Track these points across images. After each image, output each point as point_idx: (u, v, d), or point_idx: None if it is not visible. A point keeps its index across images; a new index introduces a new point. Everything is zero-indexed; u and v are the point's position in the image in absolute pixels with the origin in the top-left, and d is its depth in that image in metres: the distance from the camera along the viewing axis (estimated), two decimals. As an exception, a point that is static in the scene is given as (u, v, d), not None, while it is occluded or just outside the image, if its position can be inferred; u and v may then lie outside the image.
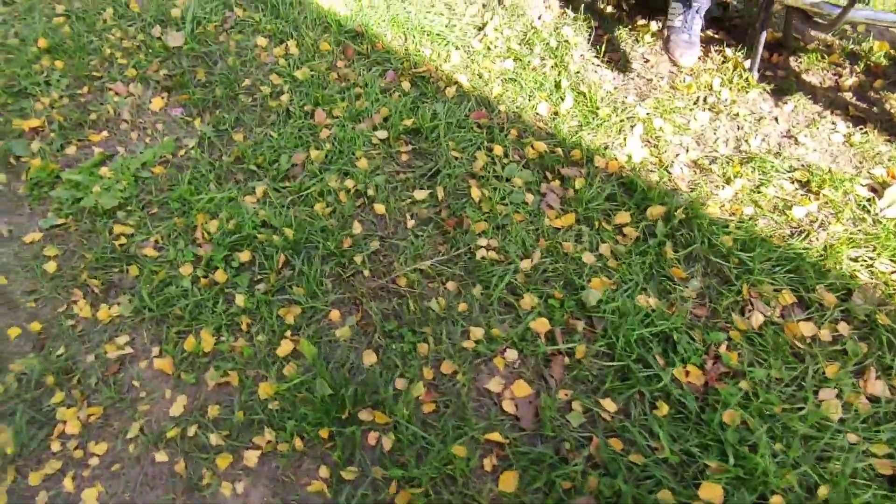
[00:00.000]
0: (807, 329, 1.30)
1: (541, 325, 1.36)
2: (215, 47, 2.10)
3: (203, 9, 2.20)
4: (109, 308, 1.52)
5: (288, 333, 1.40)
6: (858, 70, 1.84)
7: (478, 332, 1.36)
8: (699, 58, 1.89)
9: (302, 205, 1.63)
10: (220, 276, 1.53)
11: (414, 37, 2.04)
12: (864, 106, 1.75)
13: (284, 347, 1.39)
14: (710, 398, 1.22)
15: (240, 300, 1.48)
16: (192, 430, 1.29)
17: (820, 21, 1.66)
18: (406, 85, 1.92)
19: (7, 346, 1.49)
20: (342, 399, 1.26)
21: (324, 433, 1.24)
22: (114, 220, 1.68)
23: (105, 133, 1.92)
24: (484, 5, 2.18)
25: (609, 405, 1.23)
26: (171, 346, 1.43)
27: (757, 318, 1.32)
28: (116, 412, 1.34)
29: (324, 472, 1.20)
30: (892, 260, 1.40)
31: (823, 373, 1.24)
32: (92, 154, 1.87)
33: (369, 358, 1.35)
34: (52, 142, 1.89)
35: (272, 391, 1.32)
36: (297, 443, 1.24)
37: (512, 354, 1.33)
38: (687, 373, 1.26)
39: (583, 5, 2.11)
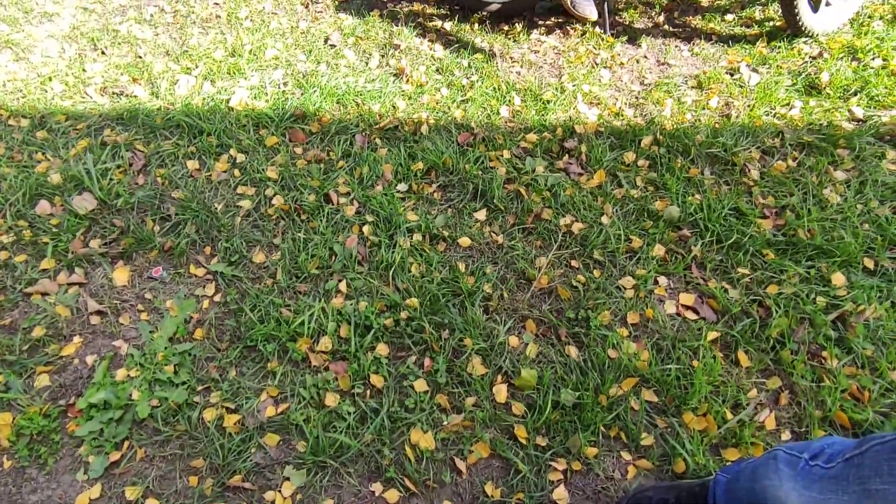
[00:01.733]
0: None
1: (660, 250, 1.61)
2: (144, 192, 1.78)
3: (92, 160, 1.83)
4: (280, 491, 1.24)
5: (498, 378, 1.37)
6: (658, 10, 2.56)
7: (627, 281, 1.55)
8: (565, 34, 2.39)
9: (400, 275, 1.56)
10: (376, 380, 1.38)
11: (351, 101, 2.07)
12: (679, 29, 2.46)
13: (500, 393, 1.35)
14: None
15: (420, 385, 1.37)
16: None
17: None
18: (378, 141, 1.95)
19: None
20: (587, 403, 1.32)
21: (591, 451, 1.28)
22: (198, 408, 1.35)
23: (77, 339, 1.48)
24: (382, 56, 2.31)
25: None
26: (392, 471, 1.25)
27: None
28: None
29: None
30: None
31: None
32: (79, 370, 1.44)
33: (573, 352, 1.42)
34: (7, 387, 1.39)
35: (524, 433, 1.29)
36: (575, 465, 1.25)
37: (663, 280, 1.56)
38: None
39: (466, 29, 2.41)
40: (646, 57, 2.34)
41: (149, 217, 1.72)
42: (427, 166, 1.85)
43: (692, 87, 2.18)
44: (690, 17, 2.52)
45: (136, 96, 2.12)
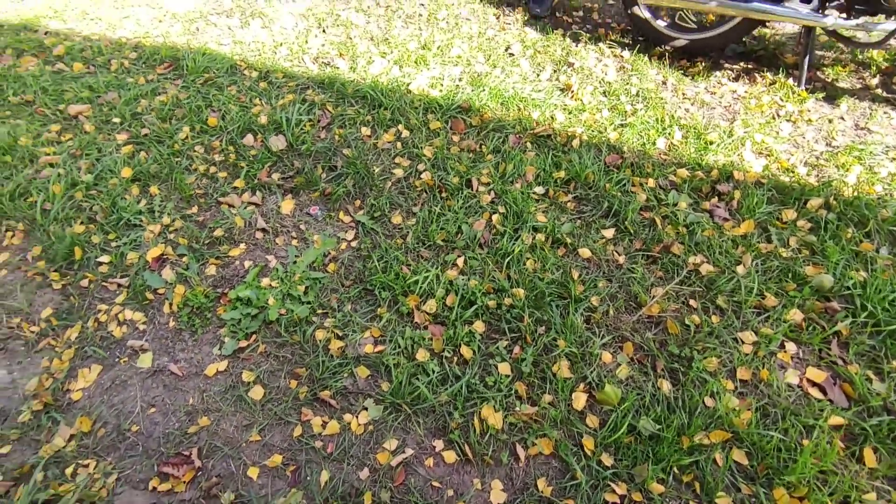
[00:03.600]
0: None
1: (796, 315, 1.47)
2: (322, 144, 2.09)
3: (294, 111, 2.20)
4: (357, 417, 1.39)
5: (581, 386, 1.38)
6: (874, 72, 2.30)
7: (748, 336, 1.44)
8: (752, 82, 2.27)
9: (514, 265, 1.64)
10: (465, 352, 1.47)
11: (514, 105, 2.20)
12: (894, 96, 2.19)
13: (579, 400, 1.35)
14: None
15: (504, 368, 1.43)
16: (541, 509, 1.19)
17: (858, 41, 2.09)
18: (529, 145, 2.05)
19: (253, 488, 1.29)
20: (666, 439, 1.26)
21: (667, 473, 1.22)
22: (313, 326, 1.56)
23: (243, 246, 1.80)
24: (554, 71, 2.42)
25: None
26: (456, 434, 1.33)
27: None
28: (444, 518, 1.21)
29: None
30: None
31: None
32: (237, 270, 1.74)
33: (665, 386, 1.37)
34: (188, 266, 1.73)
35: (591, 445, 1.27)
36: (636, 495, 1.20)
37: (791, 347, 1.42)
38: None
39: (645, 57, 2.42)
40: (842, 118, 2.12)
41: (320, 165, 2.02)
42: (568, 177, 1.90)
43: (893, 160, 1.93)
44: (911, 87, 2.22)
45: (338, 68, 2.49)
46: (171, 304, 1.64)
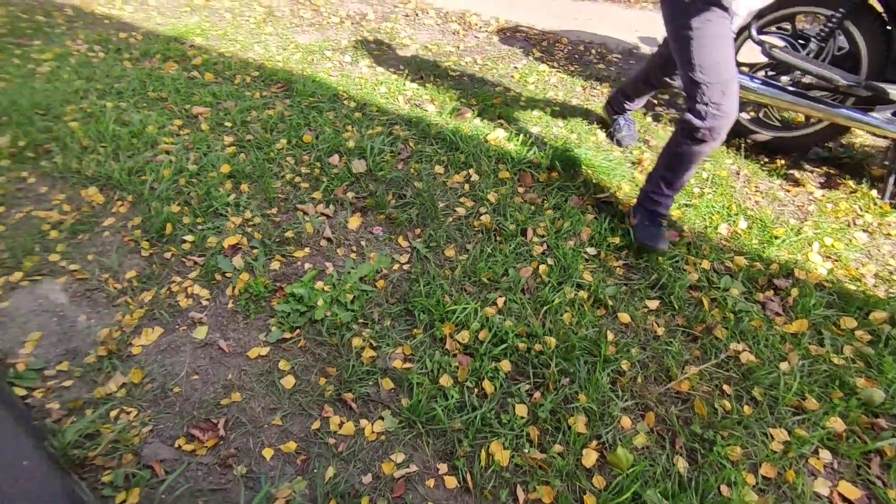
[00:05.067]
0: None
1: (837, 423, 1.40)
2: (397, 174, 2.27)
3: (378, 141, 2.41)
4: (372, 424, 1.45)
5: (593, 444, 1.37)
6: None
7: (780, 433, 1.38)
8: (831, 187, 2.23)
9: (551, 315, 1.68)
10: (487, 386, 1.51)
11: (583, 169, 2.29)
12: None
13: (589, 457, 1.35)
14: None
15: (521, 410, 1.45)
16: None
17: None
18: (590, 207, 2.12)
19: (264, 468, 1.37)
20: (685, 509, 1.22)
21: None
22: (351, 333, 1.66)
23: (307, 249, 1.97)
24: (626, 147, 2.50)
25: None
26: (462, 462, 1.35)
27: None
28: (432, 538, 1.22)
29: None
30: None
31: None
32: (297, 269, 1.89)
33: (681, 464, 1.33)
34: (256, 258, 1.91)
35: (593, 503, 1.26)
36: None
37: (826, 455, 1.35)
38: None
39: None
40: (925, 238, 2.03)
41: (391, 192, 2.19)
42: (623, 244, 1.94)
43: (974, 288, 1.82)
44: None
45: (426, 110, 2.71)
46: (233, 288, 1.81)
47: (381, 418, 1.47)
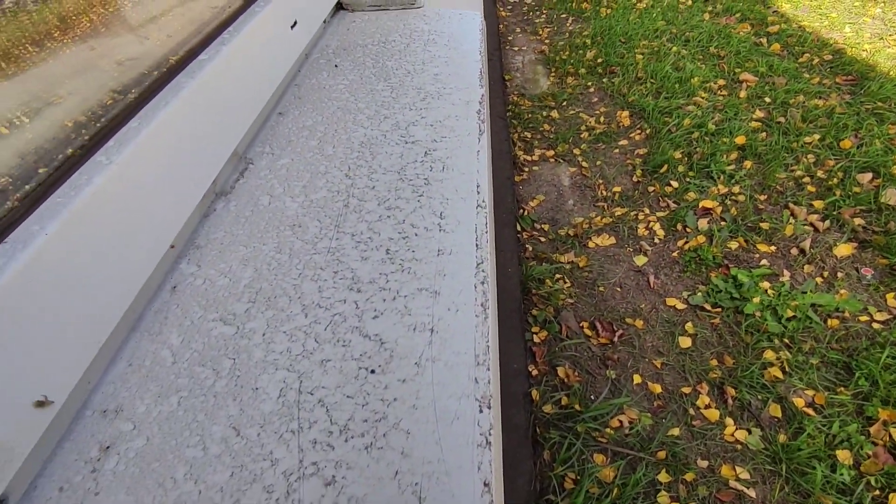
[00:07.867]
0: None
1: None
2: (938, 227, 1.82)
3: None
4: (736, 428, 1.43)
5: None
6: None
7: None
8: None
9: None
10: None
11: None
12: None
13: None
14: None
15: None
16: None
17: None
18: None
19: (627, 386, 1.57)
20: None
21: None
22: (769, 344, 1.60)
23: (773, 248, 1.88)
24: None
25: None
26: (810, 530, 1.23)
27: None
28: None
29: None
30: None
31: None
32: (752, 260, 1.86)
33: None
34: (720, 229, 1.97)
35: None
36: None
37: None
38: None
39: None
40: None
41: (915, 242, 1.79)
42: None
43: None
44: None
45: None
46: (686, 242, 1.96)
47: (750, 431, 1.43)
